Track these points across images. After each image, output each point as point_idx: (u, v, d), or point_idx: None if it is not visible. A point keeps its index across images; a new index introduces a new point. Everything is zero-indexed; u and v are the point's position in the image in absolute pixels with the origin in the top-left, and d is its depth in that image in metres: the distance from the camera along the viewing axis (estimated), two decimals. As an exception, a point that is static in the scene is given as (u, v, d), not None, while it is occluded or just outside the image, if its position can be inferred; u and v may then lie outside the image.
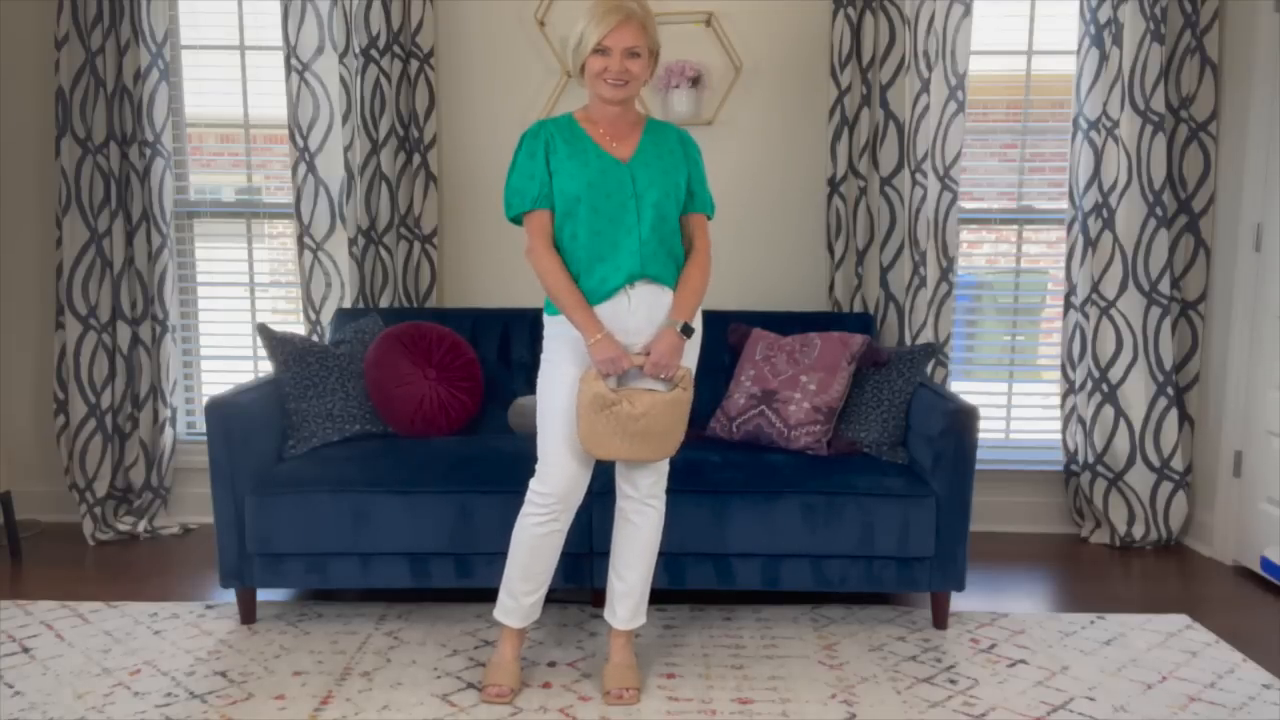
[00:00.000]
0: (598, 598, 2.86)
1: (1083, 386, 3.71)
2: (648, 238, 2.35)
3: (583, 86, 2.40)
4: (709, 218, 2.52)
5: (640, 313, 2.38)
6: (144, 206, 3.66)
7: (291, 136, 3.61)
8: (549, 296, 2.41)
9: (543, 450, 2.43)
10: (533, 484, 2.45)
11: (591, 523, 2.78)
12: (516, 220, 2.44)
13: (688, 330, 2.39)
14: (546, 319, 2.47)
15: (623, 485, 2.50)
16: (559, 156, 2.36)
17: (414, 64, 3.61)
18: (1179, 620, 2.99)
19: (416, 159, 3.66)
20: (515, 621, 2.51)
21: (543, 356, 2.48)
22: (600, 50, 2.30)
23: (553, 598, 3.05)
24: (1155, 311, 3.59)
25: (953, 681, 2.58)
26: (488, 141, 3.72)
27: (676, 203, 2.40)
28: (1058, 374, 3.83)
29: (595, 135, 2.39)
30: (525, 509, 2.45)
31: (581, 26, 2.32)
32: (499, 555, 2.83)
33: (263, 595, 3.02)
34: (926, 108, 3.55)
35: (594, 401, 2.31)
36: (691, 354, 2.47)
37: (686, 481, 2.68)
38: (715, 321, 3.40)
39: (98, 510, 3.68)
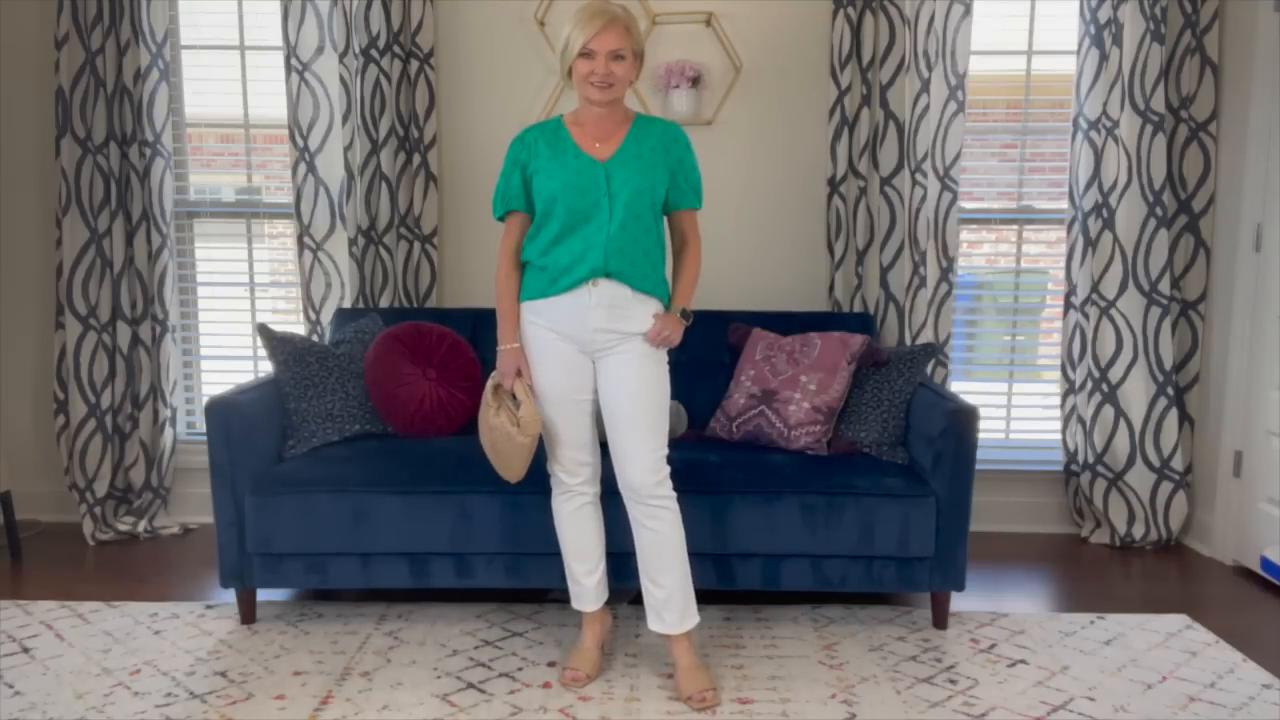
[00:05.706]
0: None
1: (1083, 386, 3.71)
2: (615, 235, 2.40)
3: (572, 89, 2.45)
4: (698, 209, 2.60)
5: (600, 311, 2.43)
6: (144, 206, 3.66)
7: (291, 136, 3.61)
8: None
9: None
10: (546, 464, 2.59)
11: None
12: (502, 219, 2.57)
13: (686, 315, 2.51)
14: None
15: (621, 489, 2.50)
16: (541, 159, 2.44)
17: (414, 64, 3.61)
18: (1179, 620, 2.99)
19: (416, 159, 3.66)
20: (586, 605, 2.61)
21: None
22: (585, 54, 2.35)
23: (552, 598, 3.06)
24: (1155, 311, 3.59)
25: (953, 681, 2.58)
26: (488, 142, 3.72)
27: (653, 202, 2.45)
28: (1058, 374, 3.83)
29: (578, 136, 2.45)
30: (552, 492, 2.60)
31: (567, 31, 2.38)
32: (499, 555, 2.85)
33: (263, 595, 3.03)
34: (926, 108, 3.55)
35: (485, 395, 2.54)
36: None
37: (686, 481, 2.67)
38: (715, 321, 3.41)
39: (98, 510, 3.68)
